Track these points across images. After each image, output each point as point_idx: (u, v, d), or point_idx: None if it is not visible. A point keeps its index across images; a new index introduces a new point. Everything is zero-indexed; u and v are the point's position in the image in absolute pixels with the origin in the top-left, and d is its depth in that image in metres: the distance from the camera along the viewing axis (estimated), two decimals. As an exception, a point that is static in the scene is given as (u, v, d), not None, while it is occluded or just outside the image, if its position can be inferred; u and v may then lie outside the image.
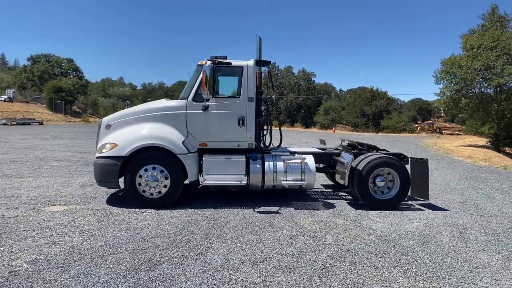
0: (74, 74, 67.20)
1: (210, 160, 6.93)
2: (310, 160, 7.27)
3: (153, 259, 4.51)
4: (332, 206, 7.32)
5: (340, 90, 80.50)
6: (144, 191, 6.78)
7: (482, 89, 26.80)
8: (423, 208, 7.40)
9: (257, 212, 6.73)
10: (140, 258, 4.52)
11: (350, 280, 4.09)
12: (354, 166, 7.12)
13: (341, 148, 8.40)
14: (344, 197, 8.25)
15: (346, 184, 7.14)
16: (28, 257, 4.45)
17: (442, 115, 64.46)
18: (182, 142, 6.88)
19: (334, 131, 45.04)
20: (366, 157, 7.25)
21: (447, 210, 7.32)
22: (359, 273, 4.27)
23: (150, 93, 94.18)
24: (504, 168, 14.24)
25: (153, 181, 6.75)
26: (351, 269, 4.38)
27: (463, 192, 9.10)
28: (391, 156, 7.29)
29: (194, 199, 7.44)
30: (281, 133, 7.62)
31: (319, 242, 5.24)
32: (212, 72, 6.59)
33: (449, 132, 45.14)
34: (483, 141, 32.74)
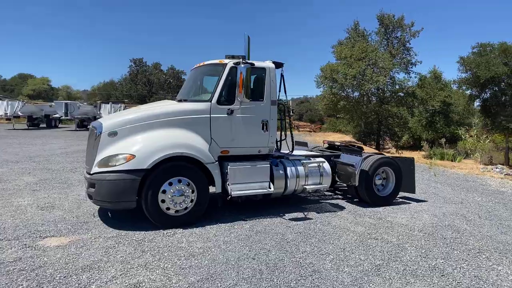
0: None
1: (236, 168, 6.36)
2: (326, 163, 7.40)
3: (284, 285, 3.99)
4: (339, 206, 7.60)
5: None
6: (168, 208, 5.80)
7: (354, 93, 31.26)
8: (407, 201, 8.34)
9: (290, 219, 6.50)
10: (271, 285, 3.94)
11: (470, 275, 4.43)
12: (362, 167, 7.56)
13: (329, 150, 8.77)
14: (333, 196, 8.64)
15: (356, 184, 7.50)
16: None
17: (291, 114, 72.22)
18: (208, 150, 6.15)
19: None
20: (367, 157, 7.78)
21: (426, 201, 8.45)
22: (465, 267, 4.66)
23: (-18, 86, 77.45)
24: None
25: (179, 196, 5.84)
26: (452, 264, 4.73)
27: (410, 184, 10.57)
28: (390, 156, 8.01)
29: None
30: (292, 137, 7.50)
31: (389, 244, 5.43)
32: (249, 73, 6.08)
33: (302, 129, 51.07)
34: (346, 137, 38.16)
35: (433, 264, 4.72)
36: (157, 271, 4.26)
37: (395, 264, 4.67)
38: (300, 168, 7.03)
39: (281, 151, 7.58)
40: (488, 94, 31.24)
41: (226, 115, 6.35)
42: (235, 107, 6.36)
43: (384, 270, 4.48)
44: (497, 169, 15.85)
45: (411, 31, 32.10)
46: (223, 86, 6.33)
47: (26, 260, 4.44)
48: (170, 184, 5.80)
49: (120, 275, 4.12)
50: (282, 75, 7.29)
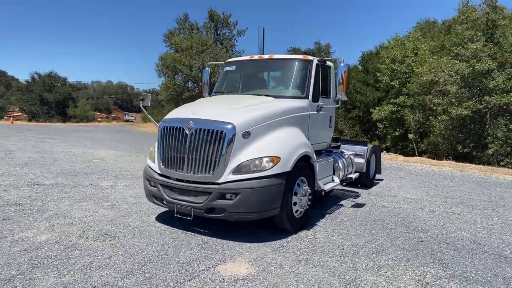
0: None
1: (320, 164, 6.48)
2: (352, 155, 8.25)
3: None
4: (349, 190, 8.67)
5: None
6: (297, 210, 5.50)
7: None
8: (378, 181, 10.14)
9: (354, 207, 7.12)
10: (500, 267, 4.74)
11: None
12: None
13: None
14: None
15: (365, 171, 8.67)
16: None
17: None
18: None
19: (12, 122, 36.81)
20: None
21: (382, 179, 10.50)
22: (513, 220, 6.69)
23: None
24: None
25: (303, 196, 5.61)
26: None
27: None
28: (374, 145, 9.58)
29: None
30: None
31: (455, 214, 6.85)
32: (349, 72, 6.29)
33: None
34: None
35: (508, 220, 6.57)
36: (403, 272, 4.33)
37: (503, 231, 6.18)
38: (344, 160, 7.65)
39: None
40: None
41: (316, 112, 6.37)
42: (321, 103, 6.46)
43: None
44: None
45: (238, 30, 35.21)
46: (314, 83, 6.31)
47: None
48: (299, 185, 5.51)
49: (387, 284, 4.02)
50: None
